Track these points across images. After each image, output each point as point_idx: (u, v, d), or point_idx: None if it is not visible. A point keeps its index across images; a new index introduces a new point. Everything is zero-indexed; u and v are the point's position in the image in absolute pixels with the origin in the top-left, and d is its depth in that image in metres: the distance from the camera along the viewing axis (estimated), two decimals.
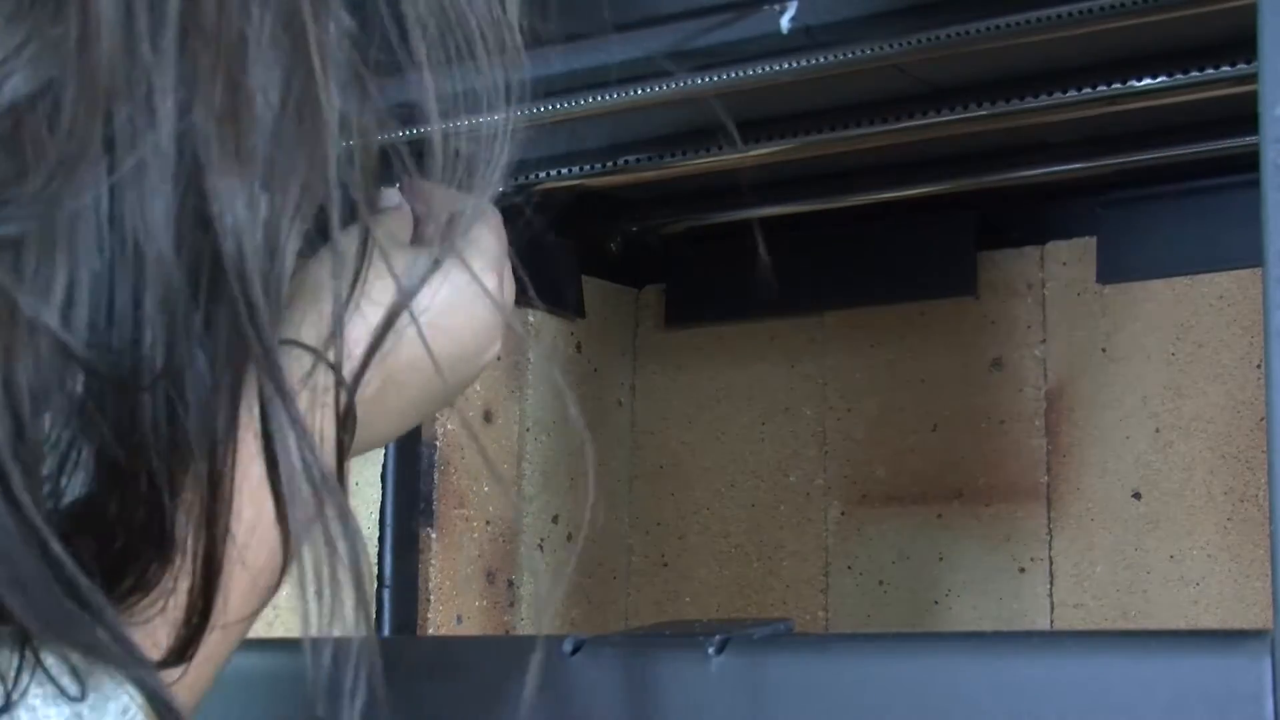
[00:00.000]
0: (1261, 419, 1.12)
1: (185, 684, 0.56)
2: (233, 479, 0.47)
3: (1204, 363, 1.18)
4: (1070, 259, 1.25)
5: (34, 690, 0.46)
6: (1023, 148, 1.18)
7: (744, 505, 1.36)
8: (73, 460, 0.45)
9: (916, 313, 1.29)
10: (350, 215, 0.48)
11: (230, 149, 0.44)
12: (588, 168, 1.19)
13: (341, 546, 0.47)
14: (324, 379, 0.49)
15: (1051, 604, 1.22)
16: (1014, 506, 1.24)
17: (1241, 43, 0.96)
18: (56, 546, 0.43)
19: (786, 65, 0.98)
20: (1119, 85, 1.03)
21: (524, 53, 0.50)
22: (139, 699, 0.51)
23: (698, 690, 0.68)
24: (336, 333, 0.48)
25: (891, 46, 0.95)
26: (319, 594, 0.47)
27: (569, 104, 1.03)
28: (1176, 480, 1.18)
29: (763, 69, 0.99)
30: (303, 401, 0.47)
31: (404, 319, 0.51)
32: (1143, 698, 0.59)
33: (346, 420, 0.50)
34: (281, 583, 0.53)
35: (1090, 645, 0.63)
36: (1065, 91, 1.04)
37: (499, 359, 1.30)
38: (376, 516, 1.22)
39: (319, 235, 0.47)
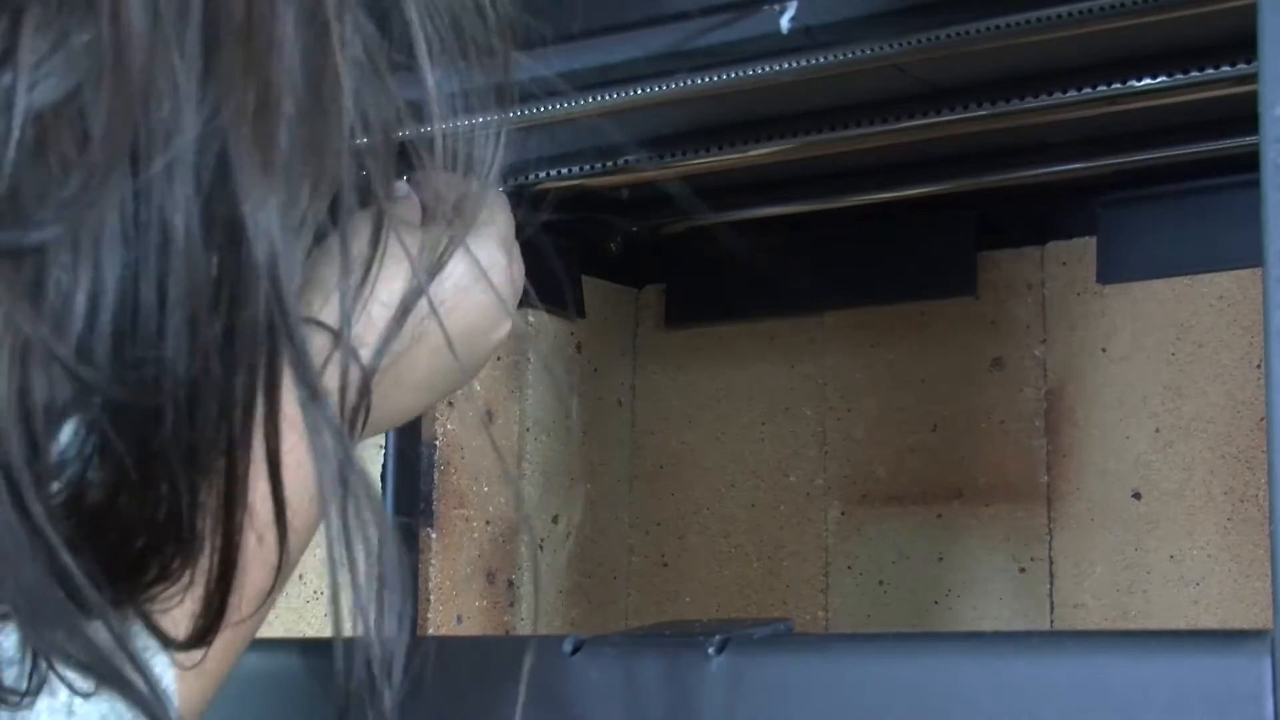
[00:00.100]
0: (1261, 419, 1.12)
1: (202, 675, 0.57)
2: (248, 477, 0.47)
3: (1204, 363, 1.18)
4: (1070, 259, 1.25)
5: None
6: (1023, 148, 1.18)
7: (744, 505, 1.36)
8: (93, 468, 0.44)
9: (916, 313, 1.29)
10: (362, 201, 0.48)
11: (261, 148, 0.44)
12: (588, 168, 1.19)
13: (372, 534, 0.47)
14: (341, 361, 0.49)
15: (1051, 604, 1.22)
16: (1014, 506, 1.24)
17: (1241, 43, 0.96)
18: (66, 557, 0.43)
19: (786, 65, 0.98)
20: (1119, 85, 1.03)
21: (519, 52, 0.51)
22: (170, 672, 0.52)
23: (698, 690, 0.68)
24: (345, 323, 0.48)
25: (891, 46, 0.95)
26: (351, 578, 0.47)
27: (569, 104, 1.03)
28: (1176, 480, 1.18)
29: (763, 69, 0.99)
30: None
31: (418, 299, 0.51)
32: (1143, 698, 0.59)
33: (362, 402, 0.50)
34: (285, 581, 0.53)
35: (1090, 645, 0.63)
36: (1065, 91, 1.04)
37: (499, 358, 1.30)
38: None
39: (330, 220, 0.47)
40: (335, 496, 0.47)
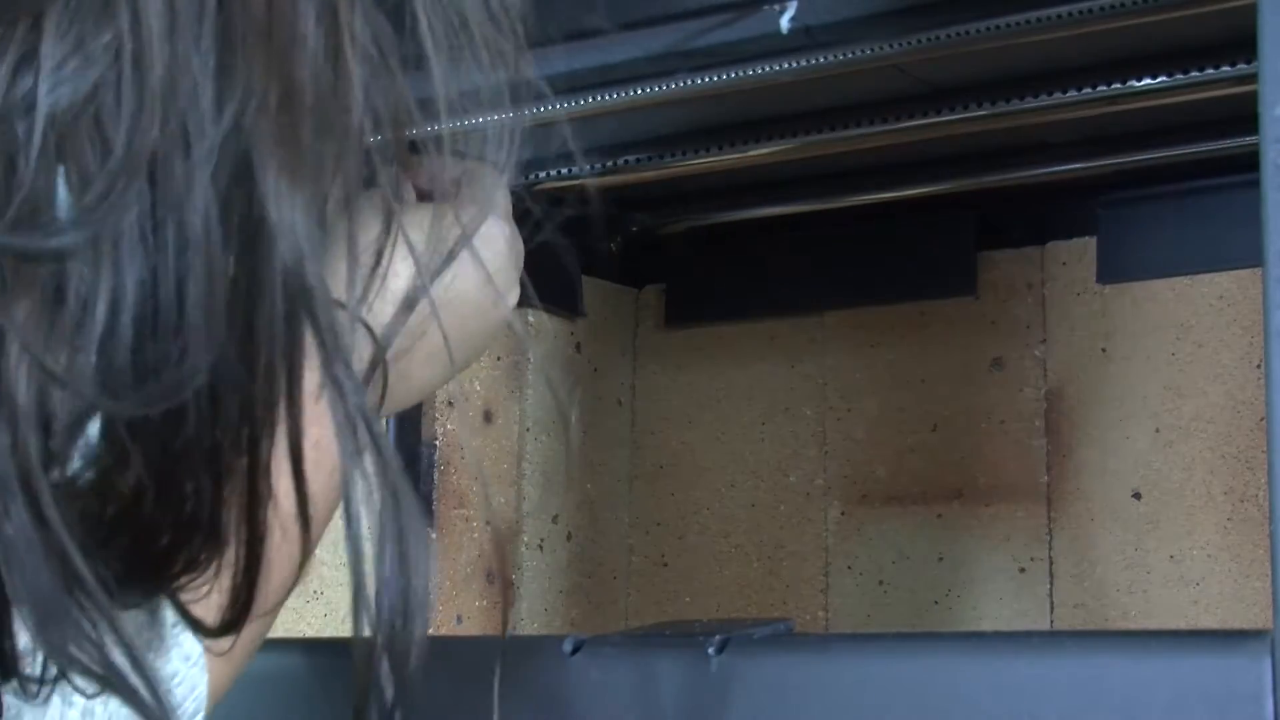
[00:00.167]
0: (1261, 419, 1.12)
1: (229, 660, 0.57)
2: (270, 473, 0.48)
3: (1204, 363, 1.18)
4: (1070, 259, 1.25)
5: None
6: (1023, 148, 1.18)
7: (744, 505, 1.36)
8: (117, 470, 0.45)
9: (916, 313, 1.29)
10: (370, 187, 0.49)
11: (285, 145, 0.44)
12: (588, 168, 1.19)
13: (406, 523, 0.48)
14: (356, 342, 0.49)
15: (1051, 604, 1.22)
16: (1014, 506, 1.24)
17: (1241, 43, 0.96)
18: (80, 566, 0.43)
19: (786, 65, 0.98)
20: (1119, 85, 1.03)
21: (529, 50, 0.51)
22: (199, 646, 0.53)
23: (698, 690, 0.68)
24: (353, 312, 0.48)
25: (891, 46, 0.95)
26: (376, 563, 0.48)
27: (569, 104, 1.03)
28: (1176, 480, 1.18)
29: (763, 69, 0.99)
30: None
31: (434, 275, 0.51)
32: (1143, 698, 0.59)
33: (380, 379, 0.50)
34: (308, 571, 0.54)
35: (1090, 645, 0.63)
36: (1065, 91, 1.04)
37: (499, 359, 1.30)
38: None
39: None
40: (362, 480, 0.47)
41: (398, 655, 0.48)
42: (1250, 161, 0.61)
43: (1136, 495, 1.20)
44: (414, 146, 0.50)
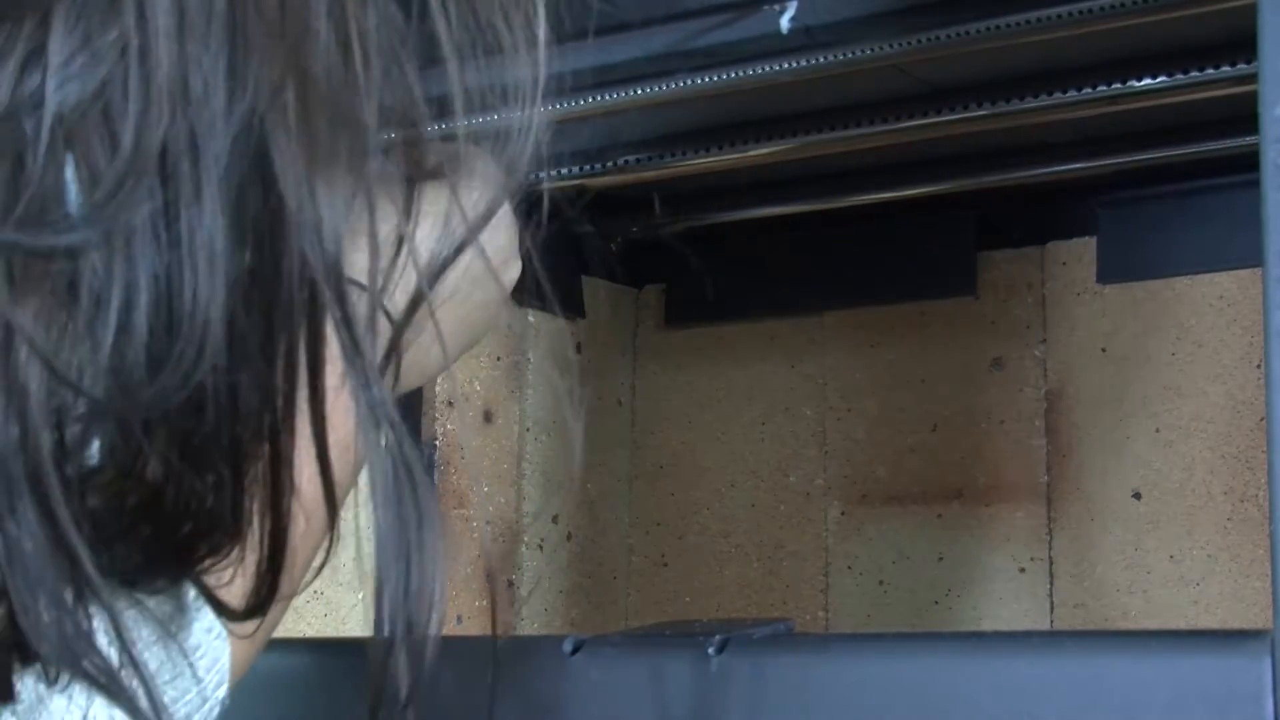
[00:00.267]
0: (1261, 419, 1.12)
1: (252, 643, 0.58)
2: (292, 462, 0.48)
3: (1204, 363, 1.18)
4: (1070, 259, 1.25)
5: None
6: (1023, 148, 1.18)
7: (744, 505, 1.36)
8: (136, 464, 0.45)
9: (916, 313, 1.29)
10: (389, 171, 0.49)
11: (302, 137, 0.44)
12: (588, 168, 1.19)
13: (424, 506, 0.48)
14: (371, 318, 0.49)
15: (1051, 604, 1.22)
16: (1014, 506, 1.24)
17: (1241, 43, 0.96)
18: (89, 566, 0.43)
19: (786, 65, 0.98)
20: (1119, 85, 1.03)
21: (551, 46, 0.51)
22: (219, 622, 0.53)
23: (698, 690, 0.68)
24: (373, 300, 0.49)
25: (891, 46, 0.96)
26: (395, 547, 0.48)
27: (569, 104, 1.03)
28: (1176, 480, 1.18)
29: (763, 69, 0.99)
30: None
31: (455, 254, 0.51)
32: (1143, 698, 0.59)
33: (394, 356, 0.51)
34: (331, 556, 0.54)
35: (1090, 645, 0.63)
36: (1065, 91, 1.04)
37: (499, 359, 1.30)
38: None
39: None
40: (385, 473, 0.47)
41: (414, 652, 0.48)
42: (1250, 161, 0.61)
43: (1136, 495, 1.20)
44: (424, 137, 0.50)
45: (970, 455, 1.26)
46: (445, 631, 0.50)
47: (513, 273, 0.72)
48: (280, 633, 0.64)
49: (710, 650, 0.68)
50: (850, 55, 0.97)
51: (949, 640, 0.73)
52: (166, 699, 0.52)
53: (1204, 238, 1.18)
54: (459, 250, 0.51)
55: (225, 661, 0.57)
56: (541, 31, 0.50)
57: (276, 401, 0.46)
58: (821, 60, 0.97)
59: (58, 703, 0.49)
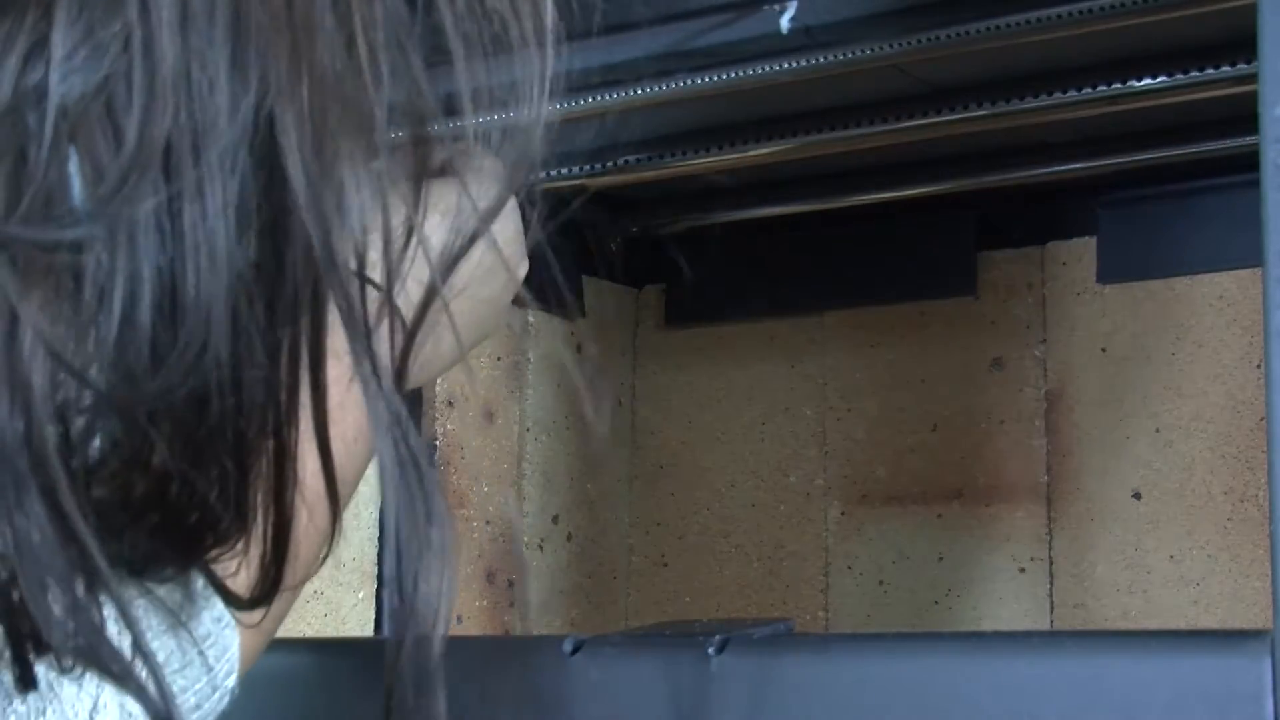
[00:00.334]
0: (1261, 419, 1.12)
1: (259, 633, 0.58)
2: (296, 456, 0.48)
3: (1204, 363, 1.18)
4: (1070, 259, 1.25)
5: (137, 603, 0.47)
6: (1023, 148, 1.18)
7: (744, 505, 1.36)
8: (141, 457, 0.45)
9: (916, 313, 1.29)
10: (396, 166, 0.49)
11: (307, 131, 0.44)
12: (588, 168, 1.19)
13: (433, 501, 0.48)
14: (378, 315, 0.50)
15: (1051, 604, 1.22)
16: (1014, 506, 1.24)
17: (1241, 43, 0.96)
18: (98, 558, 0.43)
19: (786, 65, 0.98)
20: (1119, 85, 1.03)
21: (559, 38, 0.51)
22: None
23: (698, 690, 0.68)
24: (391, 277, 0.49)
25: (891, 46, 0.95)
26: (407, 540, 0.48)
27: (569, 104, 1.03)
28: (1176, 480, 1.18)
29: (763, 69, 0.99)
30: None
31: (468, 248, 0.51)
32: (1143, 698, 0.59)
33: (408, 354, 0.51)
34: (335, 548, 0.54)
35: (1090, 645, 0.63)
36: (1065, 91, 1.04)
37: (499, 359, 1.30)
38: (376, 516, 1.22)
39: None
40: (392, 456, 0.47)
41: (426, 648, 0.48)
42: (1250, 161, 0.61)
43: (1136, 495, 1.20)
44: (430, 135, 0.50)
45: (970, 455, 1.26)
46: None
47: (520, 272, 0.72)
48: (280, 633, 0.64)
49: (710, 650, 0.68)
50: (850, 55, 0.97)
51: (949, 640, 0.73)
52: (176, 688, 0.53)
53: (1204, 238, 1.18)
54: (471, 241, 0.51)
55: (235, 651, 0.57)
56: (550, 21, 0.50)
57: (280, 395, 0.47)
58: (821, 60, 0.97)
59: (69, 690, 0.49)
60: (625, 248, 1.39)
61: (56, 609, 0.43)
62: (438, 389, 1.24)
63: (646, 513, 1.40)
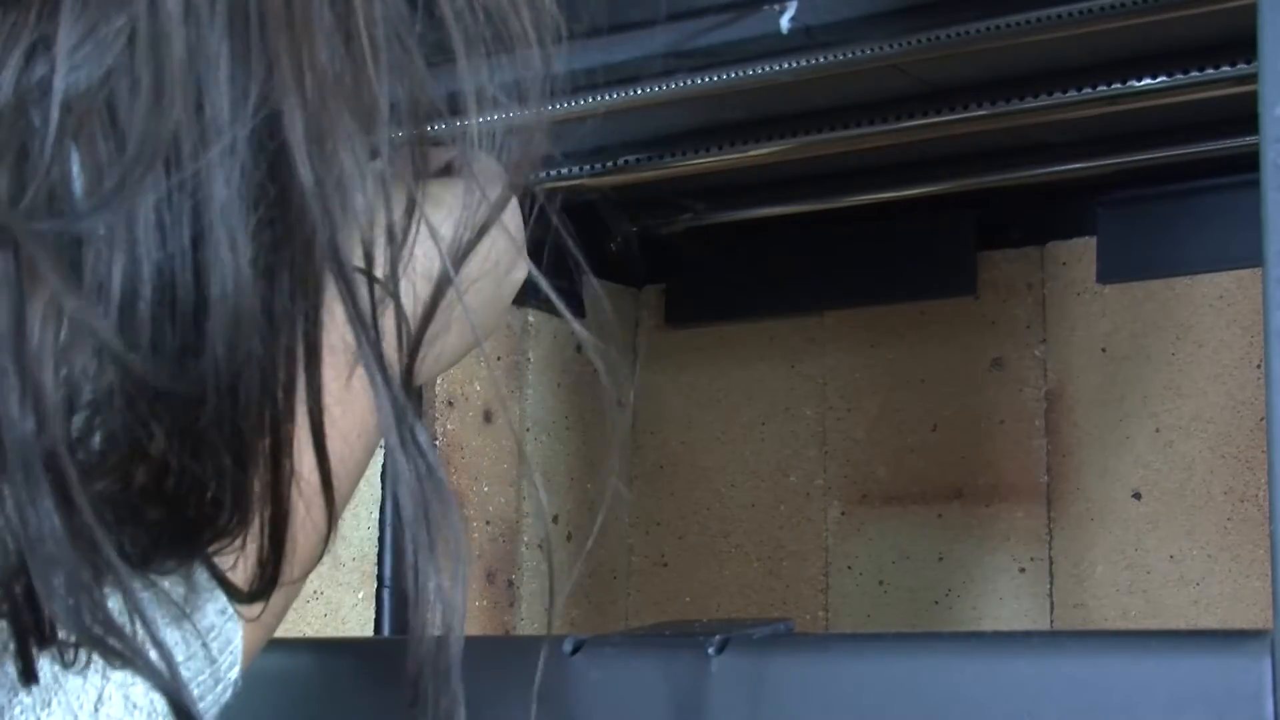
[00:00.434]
0: (1261, 419, 1.12)
1: (259, 626, 0.58)
2: (293, 452, 0.48)
3: (1204, 363, 1.18)
4: (1070, 259, 1.25)
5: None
6: (1023, 148, 1.18)
7: (744, 505, 1.36)
8: (139, 451, 0.45)
9: (916, 313, 1.29)
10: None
11: (310, 127, 0.45)
12: (588, 168, 1.19)
13: (444, 495, 0.48)
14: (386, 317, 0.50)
15: (1051, 604, 1.22)
16: (1014, 506, 1.24)
17: (1241, 43, 0.96)
18: (109, 550, 0.44)
19: (786, 65, 0.98)
20: (1119, 85, 1.03)
21: (560, 35, 0.51)
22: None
23: (698, 690, 0.68)
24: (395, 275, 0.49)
25: (891, 46, 0.95)
26: (418, 537, 0.48)
27: (569, 104, 1.03)
28: (1176, 480, 1.18)
29: (763, 69, 0.99)
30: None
31: (471, 247, 0.52)
32: (1143, 698, 0.59)
33: (416, 350, 0.51)
34: (333, 545, 0.54)
35: (1090, 645, 0.63)
36: (1065, 91, 1.04)
37: (499, 359, 1.30)
38: (376, 516, 1.22)
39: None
40: (402, 453, 0.47)
41: (443, 646, 0.48)
42: (1250, 161, 0.61)
43: (1136, 495, 1.20)
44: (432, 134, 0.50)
45: (970, 455, 1.26)
46: None
47: (521, 271, 0.72)
48: (280, 633, 0.64)
49: (710, 650, 0.68)
50: (850, 55, 0.96)
51: (949, 640, 0.73)
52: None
53: (1204, 238, 1.18)
54: (481, 233, 0.51)
55: (238, 643, 0.58)
56: (550, 20, 0.50)
57: (277, 391, 0.47)
58: (821, 60, 0.97)
59: (73, 682, 0.49)
60: (625, 248, 1.39)
61: (69, 600, 0.43)
62: (438, 389, 1.24)
63: (646, 513, 1.40)
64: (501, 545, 1.29)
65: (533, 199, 0.57)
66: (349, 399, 0.54)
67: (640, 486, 1.41)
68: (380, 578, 1.21)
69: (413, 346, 0.50)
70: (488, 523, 1.28)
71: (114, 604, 0.45)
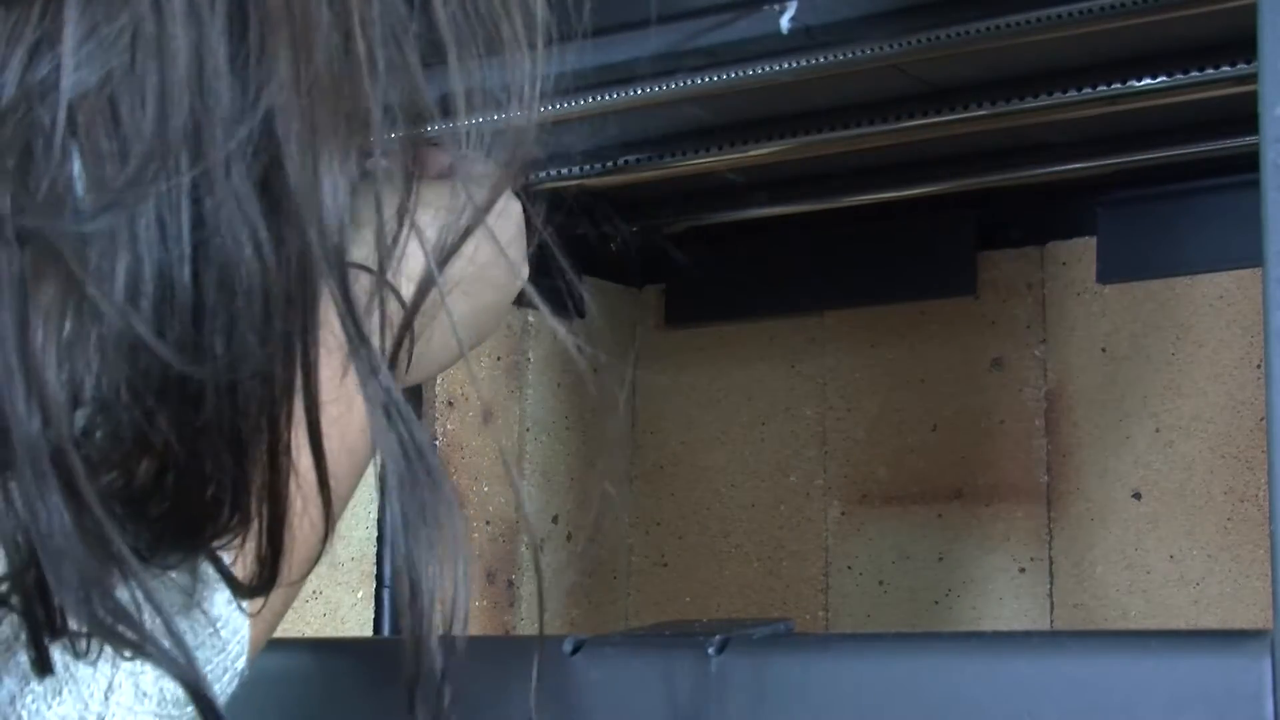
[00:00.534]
0: (1261, 419, 1.12)
1: (260, 621, 0.58)
2: (291, 452, 0.48)
3: (1204, 363, 1.18)
4: (1070, 259, 1.25)
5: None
6: (1023, 148, 1.18)
7: (744, 505, 1.36)
8: (141, 446, 0.45)
9: (916, 313, 1.29)
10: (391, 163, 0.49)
11: (311, 126, 0.45)
12: (588, 168, 1.19)
13: (443, 489, 0.48)
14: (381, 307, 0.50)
15: (1051, 604, 1.22)
16: (1014, 506, 1.24)
17: (1241, 43, 0.96)
18: (118, 543, 0.44)
19: (786, 65, 0.98)
20: (1119, 85, 1.03)
21: (550, 36, 0.51)
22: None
23: (698, 690, 0.68)
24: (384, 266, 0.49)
25: (891, 46, 0.95)
26: (413, 535, 0.48)
27: (569, 104, 1.03)
28: (1176, 480, 1.18)
29: (763, 69, 0.99)
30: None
31: (462, 241, 0.52)
32: (1143, 698, 0.59)
33: (404, 345, 0.51)
34: (331, 544, 0.55)
35: (1090, 645, 0.63)
36: (1065, 91, 1.04)
37: (499, 358, 1.30)
38: (376, 517, 1.22)
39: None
40: (395, 450, 0.47)
41: (444, 642, 0.49)
42: (1250, 161, 0.61)
43: (1136, 495, 1.20)
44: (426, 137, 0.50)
45: (970, 455, 1.26)
46: None
47: (521, 273, 0.72)
48: (280, 633, 0.64)
49: (710, 650, 0.68)
50: (850, 55, 0.96)
51: (949, 640, 0.73)
52: None
53: (1204, 238, 1.18)
54: (465, 235, 0.51)
55: (246, 633, 0.58)
56: (541, 22, 0.50)
57: (275, 389, 0.47)
58: (821, 60, 0.97)
59: (84, 672, 0.50)
60: (625, 248, 1.39)
61: (79, 591, 0.44)
62: (437, 389, 1.24)
63: (646, 513, 1.40)
64: (501, 545, 1.29)
65: (532, 199, 0.57)
66: (347, 398, 0.54)
67: (640, 486, 1.41)
68: (379, 577, 1.21)
69: (394, 346, 0.50)
70: (488, 523, 1.28)
71: (124, 594, 0.45)
